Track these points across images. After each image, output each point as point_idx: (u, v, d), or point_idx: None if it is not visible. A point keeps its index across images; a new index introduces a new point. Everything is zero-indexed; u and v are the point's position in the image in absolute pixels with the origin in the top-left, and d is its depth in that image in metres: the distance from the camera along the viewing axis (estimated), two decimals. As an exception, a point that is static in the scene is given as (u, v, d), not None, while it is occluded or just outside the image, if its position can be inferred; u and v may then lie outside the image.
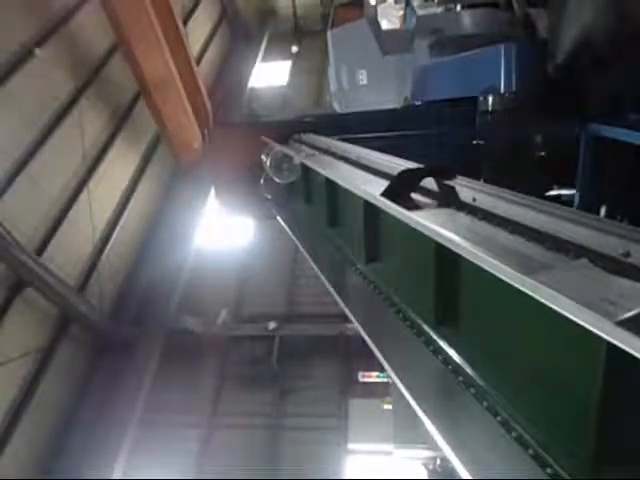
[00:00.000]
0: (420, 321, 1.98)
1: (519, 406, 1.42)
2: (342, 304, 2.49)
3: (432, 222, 1.58)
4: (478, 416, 1.53)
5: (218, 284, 11.27)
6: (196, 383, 10.11)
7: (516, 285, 1.14)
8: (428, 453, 7.72)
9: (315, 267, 3.00)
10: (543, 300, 1.05)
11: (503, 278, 1.18)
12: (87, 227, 10.36)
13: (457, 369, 1.70)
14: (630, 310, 0.90)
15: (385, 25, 8.12)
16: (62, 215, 9.90)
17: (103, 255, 10.76)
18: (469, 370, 1.66)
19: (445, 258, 1.68)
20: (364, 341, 2.18)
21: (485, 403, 1.54)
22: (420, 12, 6.31)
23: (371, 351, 2.08)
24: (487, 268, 1.25)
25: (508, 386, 1.48)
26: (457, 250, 1.39)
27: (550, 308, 1.04)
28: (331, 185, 2.94)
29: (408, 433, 7.66)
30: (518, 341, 1.42)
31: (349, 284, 2.68)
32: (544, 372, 1.30)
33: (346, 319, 2.44)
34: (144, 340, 10.29)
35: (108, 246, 10.94)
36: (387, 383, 8.82)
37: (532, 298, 1.09)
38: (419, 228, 1.61)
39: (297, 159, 3.56)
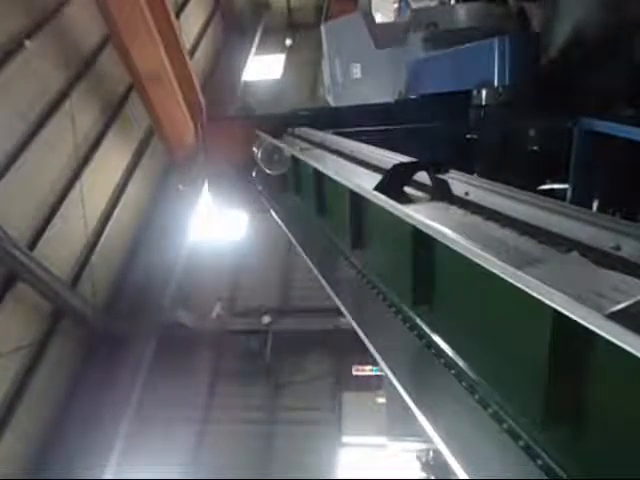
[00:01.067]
0: (398, 300, 2.08)
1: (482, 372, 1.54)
2: (330, 291, 2.54)
3: (424, 216, 1.58)
4: (469, 407, 1.54)
5: (212, 278, 11.24)
6: (190, 377, 10.11)
7: (507, 278, 1.15)
8: (421, 446, 7.78)
9: (307, 258, 3.01)
10: (534, 293, 1.05)
11: (495, 271, 1.18)
12: (80, 221, 10.29)
13: (430, 342, 1.83)
14: (620, 303, 0.90)
15: (379, 18, 8.08)
16: (54, 209, 9.83)
17: (96, 249, 10.70)
18: (441, 343, 1.78)
19: (422, 243, 1.77)
20: (357, 335, 2.19)
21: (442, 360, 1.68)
22: (414, 5, 6.29)
23: (364, 345, 2.09)
24: (479, 261, 1.25)
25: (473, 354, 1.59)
26: (449, 244, 1.39)
27: (507, 285, 1.13)
28: (324, 178, 2.93)
29: (401, 426, 7.70)
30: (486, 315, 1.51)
31: (335, 269, 2.78)
32: (503, 341, 1.42)
33: (340, 313, 2.45)
34: (138, 334, 10.27)
35: (101, 240, 10.88)
36: (380, 376, 8.86)
37: (497, 278, 1.16)
38: (411, 222, 1.61)
39: (292, 153, 3.55)
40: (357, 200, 2.39)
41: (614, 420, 1.09)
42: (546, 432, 1.26)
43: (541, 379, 1.21)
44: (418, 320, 1.92)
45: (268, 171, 3.86)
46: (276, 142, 3.73)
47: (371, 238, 2.44)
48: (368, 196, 2.01)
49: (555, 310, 1.03)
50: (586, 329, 0.92)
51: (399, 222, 1.69)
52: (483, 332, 1.51)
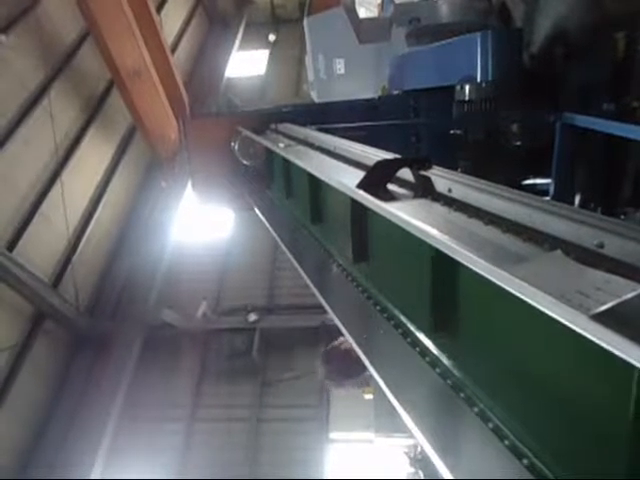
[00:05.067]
0: (340, 260, 2.57)
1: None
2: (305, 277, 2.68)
3: (407, 213, 1.56)
4: (463, 413, 1.53)
5: (197, 277, 11.15)
6: (177, 377, 10.03)
7: (491, 278, 1.13)
8: (409, 441, 7.80)
9: (294, 261, 2.99)
10: (516, 293, 1.03)
11: (477, 270, 1.16)
12: (61, 221, 10.10)
13: (371, 296, 2.22)
14: (604, 303, 0.88)
15: (362, 13, 8.06)
16: (34, 209, 9.63)
17: (78, 249, 10.52)
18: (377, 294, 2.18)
19: (358, 215, 2.21)
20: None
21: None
22: (397, 0, 6.27)
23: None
24: (461, 260, 1.23)
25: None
26: (431, 242, 1.37)
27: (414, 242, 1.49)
28: (306, 176, 2.90)
29: (389, 422, 7.72)
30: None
31: (301, 244, 3.10)
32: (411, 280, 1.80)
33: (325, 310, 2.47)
34: (123, 335, 10.14)
35: (83, 240, 10.70)
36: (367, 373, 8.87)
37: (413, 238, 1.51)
38: (394, 220, 1.59)
39: (274, 149, 3.52)
40: (313, 183, 2.79)
41: (479, 329, 1.47)
42: (435, 339, 1.67)
43: (428, 302, 1.63)
44: (357, 274, 2.38)
45: (244, 162, 3.97)
46: (254, 136, 3.77)
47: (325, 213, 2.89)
48: (351, 194, 1.99)
49: (435, 250, 1.43)
50: (454, 262, 1.27)
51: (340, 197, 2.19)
52: (401, 278, 1.94)
